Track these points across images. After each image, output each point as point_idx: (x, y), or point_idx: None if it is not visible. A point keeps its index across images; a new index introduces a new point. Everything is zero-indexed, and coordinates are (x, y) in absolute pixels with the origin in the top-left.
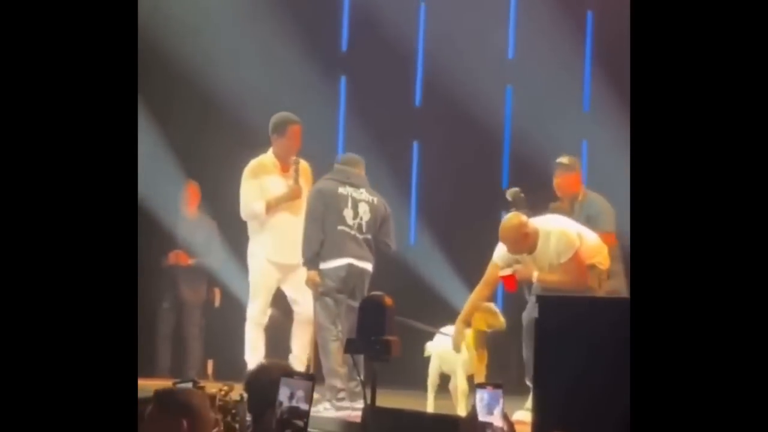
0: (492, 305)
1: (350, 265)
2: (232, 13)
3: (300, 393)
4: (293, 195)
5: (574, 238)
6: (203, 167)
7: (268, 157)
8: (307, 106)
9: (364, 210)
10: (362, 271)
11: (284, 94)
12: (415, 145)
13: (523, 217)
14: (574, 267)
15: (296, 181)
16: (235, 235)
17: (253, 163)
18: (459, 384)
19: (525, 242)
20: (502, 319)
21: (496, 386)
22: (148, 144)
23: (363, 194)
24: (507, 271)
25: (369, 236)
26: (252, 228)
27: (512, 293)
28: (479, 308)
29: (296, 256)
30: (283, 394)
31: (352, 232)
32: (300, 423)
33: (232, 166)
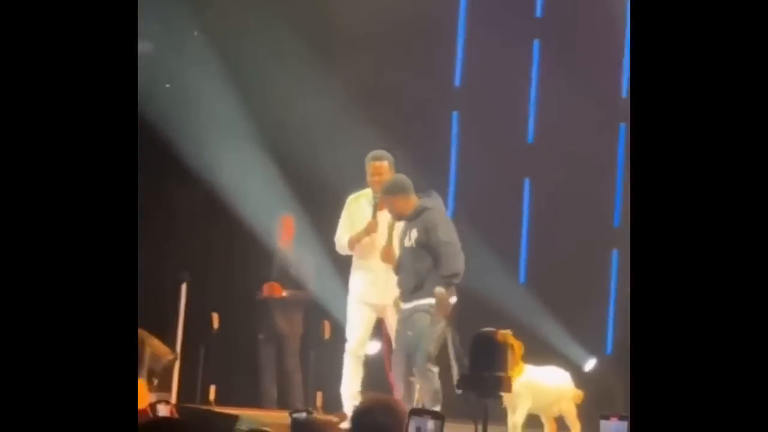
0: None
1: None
2: (344, 44)
3: (428, 428)
4: (368, 229)
5: None
6: (301, 200)
7: (366, 191)
8: (419, 141)
9: None
10: None
11: (397, 129)
12: (527, 181)
13: None
14: None
15: (373, 216)
16: (334, 267)
17: (351, 195)
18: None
19: None
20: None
21: (623, 417)
22: (251, 173)
23: None
24: None
25: None
26: (353, 263)
27: None
28: None
29: (386, 297)
30: (412, 430)
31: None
32: None
33: (331, 198)
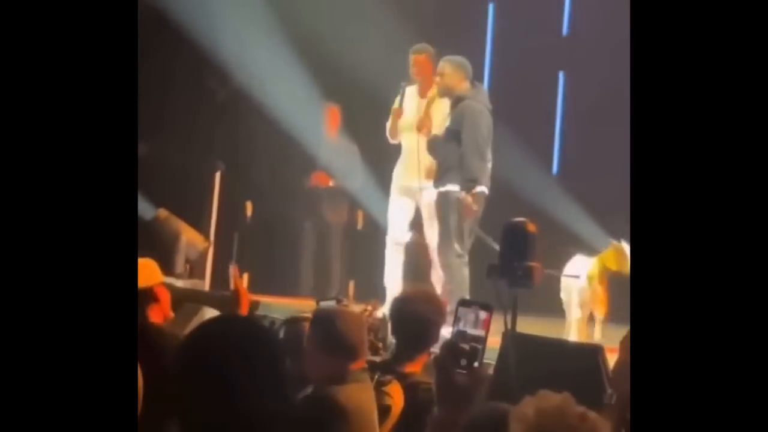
0: (625, 248)
1: (483, 192)
2: None
3: (470, 317)
4: (394, 115)
5: None
6: (344, 91)
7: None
8: (454, 33)
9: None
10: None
11: (433, 21)
12: (561, 74)
13: None
14: None
15: (400, 104)
16: (377, 159)
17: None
18: (573, 310)
19: None
20: (627, 266)
21: None
22: (287, 66)
23: None
24: None
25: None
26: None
27: None
28: (614, 244)
29: (415, 180)
30: (457, 320)
31: (489, 165)
32: (466, 347)
33: (374, 90)
